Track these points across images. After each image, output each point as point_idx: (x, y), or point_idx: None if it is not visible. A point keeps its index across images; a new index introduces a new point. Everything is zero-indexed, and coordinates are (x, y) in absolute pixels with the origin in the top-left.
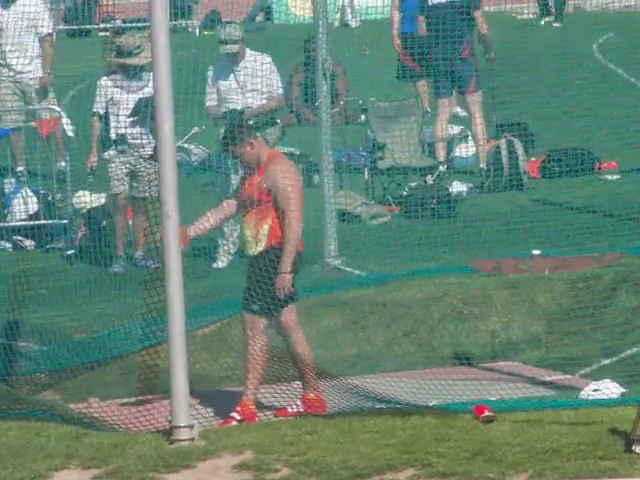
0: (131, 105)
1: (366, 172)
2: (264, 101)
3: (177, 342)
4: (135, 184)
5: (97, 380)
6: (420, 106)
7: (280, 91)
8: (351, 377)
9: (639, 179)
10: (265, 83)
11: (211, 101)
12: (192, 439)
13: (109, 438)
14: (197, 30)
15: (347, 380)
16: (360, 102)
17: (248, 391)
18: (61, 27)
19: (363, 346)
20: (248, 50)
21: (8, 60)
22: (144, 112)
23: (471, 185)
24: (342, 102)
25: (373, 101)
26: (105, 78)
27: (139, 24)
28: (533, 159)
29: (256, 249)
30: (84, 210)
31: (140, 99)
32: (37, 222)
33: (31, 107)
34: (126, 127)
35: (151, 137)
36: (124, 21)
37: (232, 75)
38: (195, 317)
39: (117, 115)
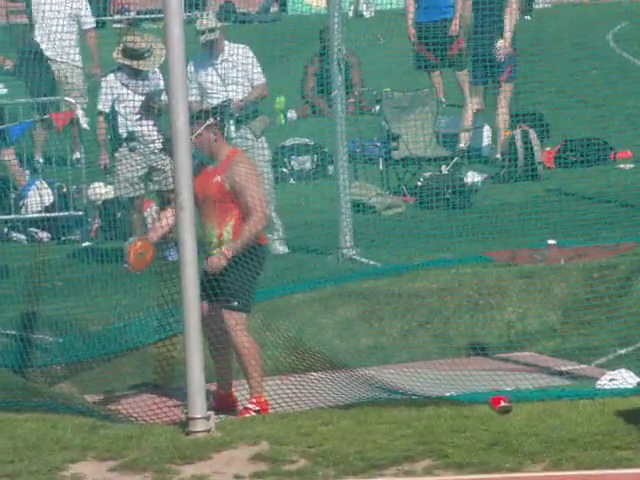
0: (139, 101)
1: (381, 163)
2: (246, 94)
3: (193, 333)
4: (157, 178)
5: (113, 372)
6: (434, 96)
7: (262, 80)
8: (367, 368)
9: None
10: (246, 74)
11: (192, 97)
12: (208, 430)
13: (125, 430)
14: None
15: (363, 371)
16: (374, 92)
17: (254, 383)
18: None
19: (378, 337)
20: (227, 42)
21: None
22: (152, 106)
23: (486, 175)
24: (357, 93)
25: (387, 91)
26: (111, 75)
27: (154, 15)
28: (548, 149)
29: (219, 250)
30: (99, 202)
31: (148, 93)
32: (52, 214)
33: (46, 99)
34: (136, 123)
35: (160, 130)
36: (139, 12)
37: (212, 69)
38: None
39: (125, 113)
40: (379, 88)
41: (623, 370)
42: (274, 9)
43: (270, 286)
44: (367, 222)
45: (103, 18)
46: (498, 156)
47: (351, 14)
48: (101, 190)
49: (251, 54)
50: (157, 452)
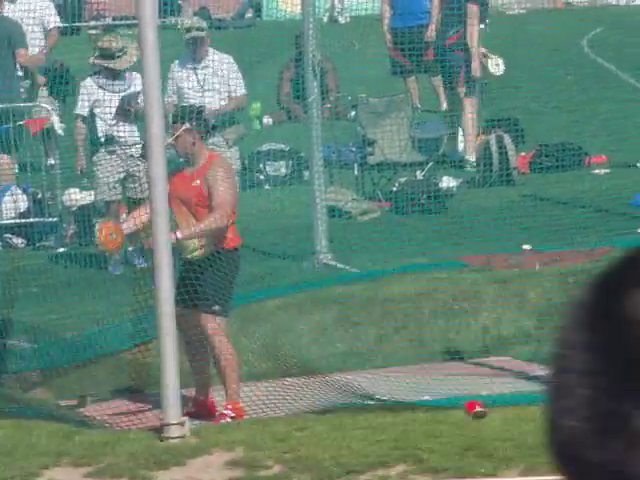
0: (116, 105)
1: (356, 168)
2: (224, 102)
3: (167, 339)
4: (131, 185)
5: (88, 378)
6: (410, 102)
7: (243, 91)
8: (342, 373)
9: (628, 173)
10: (227, 83)
11: (170, 98)
12: (183, 436)
13: (100, 436)
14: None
15: (338, 376)
16: (350, 98)
17: (231, 390)
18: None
19: (354, 342)
20: (211, 49)
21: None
22: (129, 109)
23: (461, 180)
24: (332, 98)
25: (363, 97)
26: (89, 79)
27: (129, 22)
28: (523, 154)
29: (193, 253)
30: (74, 208)
31: (124, 97)
32: (27, 220)
33: (21, 105)
34: (114, 127)
35: (139, 135)
36: (114, 18)
37: (193, 72)
38: None
39: (103, 116)
40: (355, 94)
41: None
42: (249, 15)
43: (245, 291)
44: (342, 227)
45: (78, 24)
46: (468, 158)
47: (326, 20)
48: (76, 196)
49: (235, 66)
50: (132, 458)
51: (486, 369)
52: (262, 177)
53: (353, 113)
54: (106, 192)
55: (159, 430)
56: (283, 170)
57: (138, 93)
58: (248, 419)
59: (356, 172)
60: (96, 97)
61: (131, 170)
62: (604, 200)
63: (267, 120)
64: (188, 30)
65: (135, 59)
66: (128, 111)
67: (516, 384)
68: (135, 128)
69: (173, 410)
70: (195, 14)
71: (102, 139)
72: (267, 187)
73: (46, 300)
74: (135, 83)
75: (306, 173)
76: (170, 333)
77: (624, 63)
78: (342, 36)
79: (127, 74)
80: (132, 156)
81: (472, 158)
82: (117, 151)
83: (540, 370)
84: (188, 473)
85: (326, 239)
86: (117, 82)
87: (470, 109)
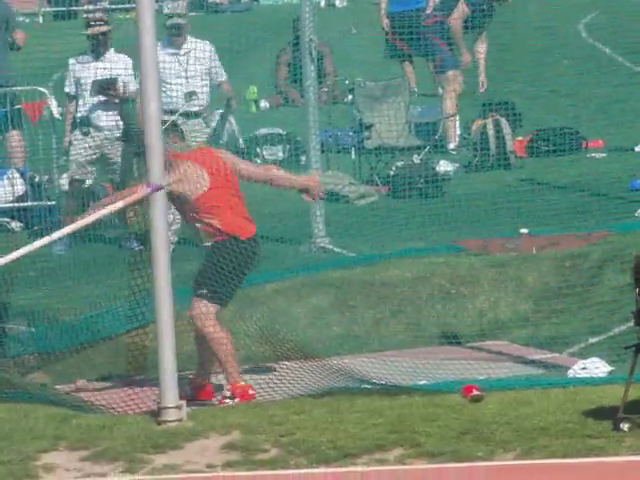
0: (94, 85)
1: (353, 152)
2: (206, 88)
3: (165, 323)
4: (107, 167)
5: (86, 362)
6: (407, 86)
7: (225, 77)
8: (339, 357)
9: (625, 157)
10: (208, 70)
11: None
12: (180, 420)
13: (97, 420)
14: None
15: (335, 360)
16: (347, 82)
17: (229, 373)
18: (47, 9)
19: (351, 326)
20: (189, 37)
21: None
22: (111, 93)
23: (458, 164)
24: (329, 82)
25: (360, 81)
26: (73, 59)
27: (126, 5)
28: (520, 138)
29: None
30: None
31: (101, 81)
32: (24, 204)
33: (17, 89)
34: (90, 109)
35: (119, 119)
36: (111, 2)
37: (174, 58)
38: (183, 298)
39: (83, 97)
40: (352, 77)
41: (595, 358)
42: None
43: None
44: (340, 212)
45: (75, 8)
46: (451, 146)
47: (323, 4)
48: (61, 179)
49: (214, 50)
50: (129, 442)
51: (483, 353)
52: (259, 161)
53: (350, 97)
54: (76, 171)
55: (156, 414)
56: (280, 154)
57: (115, 79)
58: (245, 403)
59: (353, 156)
60: (79, 76)
61: (106, 153)
62: (601, 184)
63: (264, 104)
64: (170, 17)
65: (104, 30)
66: (110, 95)
67: (513, 368)
68: (112, 112)
69: (170, 394)
70: None
71: (78, 120)
72: None
73: (44, 284)
74: (116, 65)
75: (303, 157)
76: (168, 317)
77: (620, 47)
78: (339, 20)
79: (107, 54)
80: (107, 139)
81: (451, 145)
82: (91, 133)
83: (537, 354)
84: (185, 457)
85: (323, 223)
86: (99, 62)
87: (449, 88)
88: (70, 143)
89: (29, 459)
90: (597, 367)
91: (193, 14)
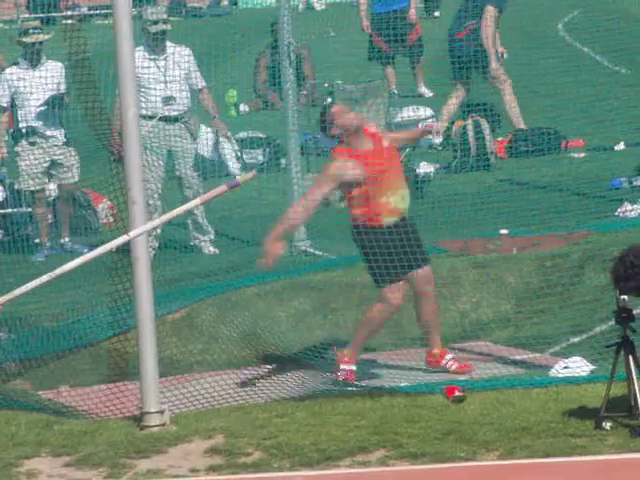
0: (36, 95)
1: None
2: (186, 92)
3: (146, 328)
4: (56, 172)
5: (67, 368)
6: (386, 88)
7: (204, 83)
8: (322, 360)
9: (605, 157)
10: (187, 75)
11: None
12: (163, 424)
13: (80, 425)
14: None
15: (317, 362)
16: (326, 85)
17: (352, 349)
18: (24, 15)
19: (333, 328)
20: (168, 42)
21: None
22: (52, 103)
23: (438, 166)
24: (308, 85)
25: (339, 84)
26: (8, 70)
27: (104, 11)
28: (500, 139)
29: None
30: (50, 198)
31: (52, 96)
32: (3, 211)
33: None
34: (35, 118)
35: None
36: (89, 8)
37: (154, 63)
38: (164, 303)
39: (25, 107)
40: (331, 80)
41: (576, 358)
42: (225, 3)
43: (223, 279)
44: (320, 214)
45: (53, 14)
46: (435, 140)
47: (301, 7)
48: (50, 187)
49: (193, 58)
50: (112, 447)
51: (465, 354)
52: (239, 165)
53: (329, 100)
54: (30, 182)
55: (138, 419)
56: (260, 157)
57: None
58: (227, 406)
59: None
60: (17, 87)
61: (56, 159)
62: (581, 184)
63: (244, 108)
64: (155, 22)
65: (42, 39)
66: (52, 104)
67: (495, 368)
68: (57, 119)
69: (152, 399)
70: (172, 1)
71: (23, 130)
72: None
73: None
74: (53, 74)
75: (283, 160)
76: (149, 322)
77: (600, 46)
78: (318, 23)
79: (46, 63)
80: (56, 145)
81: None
82: (38, 141)
83: (518, 354)
84: (168, 461)
85: (304, 226)
86: (37, 70)
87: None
88: (17, 155)
89: (11, 465)
90: (579, 366)
91: (173, 19)
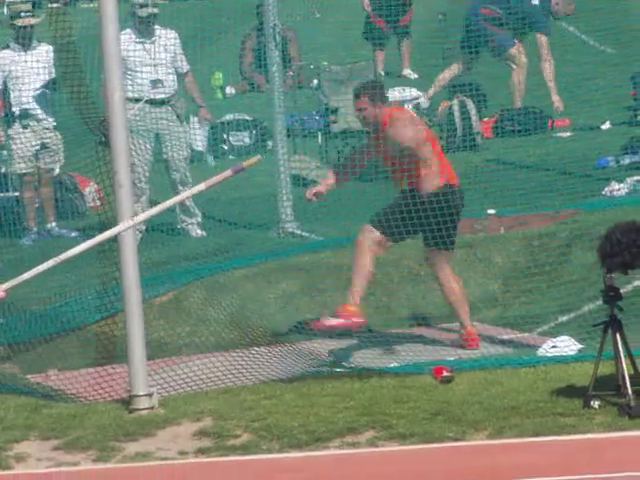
0: (28, 78)
1: (320, 136)
2: (172, 76)
3: (133, 311)
4: (42, 156)
5: (55, 351)
6: (373, 69)
7: (188, 67)
8: (309, 341)
9: (591, 136)
10: (174, 59)
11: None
12: (151, 407)
13: (68, 409)
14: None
15: (305, 344)
16: (312, 66)
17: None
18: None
19: (321, 310)
20: (155, 25)
21: None
22: (44, 86)
23: None
24: (294, 67)
25: (325, 65)
26: (0, 54)
27: None
28: (486, 119)
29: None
30: (37, 183)
31: (45, 79)
32: None
33: None
34: (28, 101)
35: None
36: None
37: (141, 47)
38: (152, 286)
39: (18, 90)
40: (317, 62)
41: (564, 337)
42: None
43: (211, 262)
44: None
45: None
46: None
47: None
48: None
49: (179, 40)
50: (101, 430)
51: (453, 334)
52: (226, 147)
53: (315, 81)
54: (21, 165)
55: (127, 402)
56: (247, 140)
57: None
58: (215, 389)
59: (320, 140)
60: (9, 70)
61: (46, 142)
62: (567, 163)
63: (230, 90)
64: (143, 6)
65: (33, 23)
66: (43, 87)
67: (483, 348)
68: (48, 102)
69: (141, 382)
70: None
71: (16, 112)
72: (231, 157)
73: (12, 274)
74: (45, 57)
75: (270, 142)
76: (136, 305)
77: (585, 26)
78: (303, 5)
79: (38, 46)
80: (47, 128)
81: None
82: (31, 124)
83: (506, 334)
84: (157, 444)
85: (291, 208)
86: (29, 53)
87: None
88: (9, 138)
89: (0, 449)
90: (567, 345)
91: (159, 1)
